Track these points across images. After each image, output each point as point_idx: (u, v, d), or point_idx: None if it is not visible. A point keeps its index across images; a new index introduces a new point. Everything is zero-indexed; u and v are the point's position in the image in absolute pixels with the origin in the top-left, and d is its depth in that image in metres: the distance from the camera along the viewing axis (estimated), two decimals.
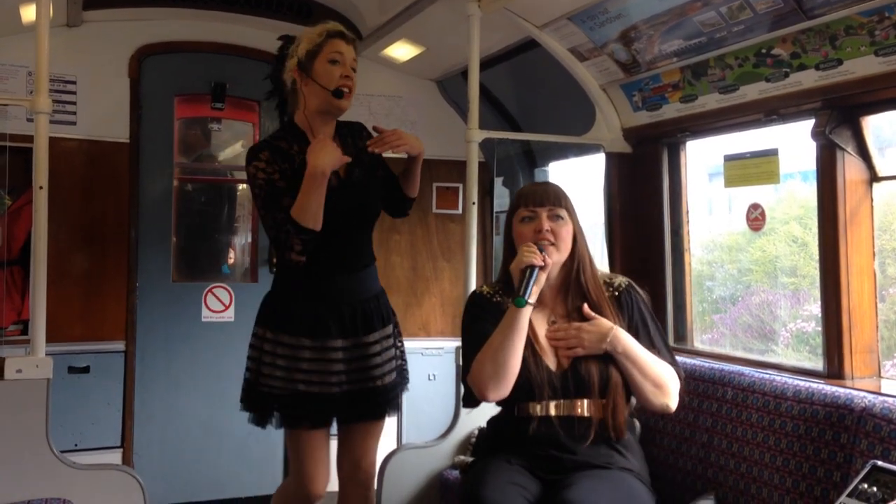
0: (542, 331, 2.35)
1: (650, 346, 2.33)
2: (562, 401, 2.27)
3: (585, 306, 2.33)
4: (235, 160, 4.60)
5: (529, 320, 2.27)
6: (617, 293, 2.40)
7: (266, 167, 2.48)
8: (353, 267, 2.60)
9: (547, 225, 2.32)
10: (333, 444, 2.67)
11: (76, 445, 3.82)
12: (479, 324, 2.37)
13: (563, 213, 2.35)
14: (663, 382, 2.30)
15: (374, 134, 2.59)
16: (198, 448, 4.18)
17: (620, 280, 2.43)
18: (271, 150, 2.51)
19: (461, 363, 2.47)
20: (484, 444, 2.48)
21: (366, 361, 2.56)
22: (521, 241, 2.33)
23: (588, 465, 2.22)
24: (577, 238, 2.37)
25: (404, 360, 2.72)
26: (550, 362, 2.31)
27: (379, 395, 2.59)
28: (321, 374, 2.52)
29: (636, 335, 2.32)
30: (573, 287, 2.38)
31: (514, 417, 2.33)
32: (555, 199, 2.36)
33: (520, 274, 2.24)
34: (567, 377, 2.29)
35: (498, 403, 2.35)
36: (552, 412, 2.27)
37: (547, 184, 2.46)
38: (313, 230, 2.41)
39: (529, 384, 2.26)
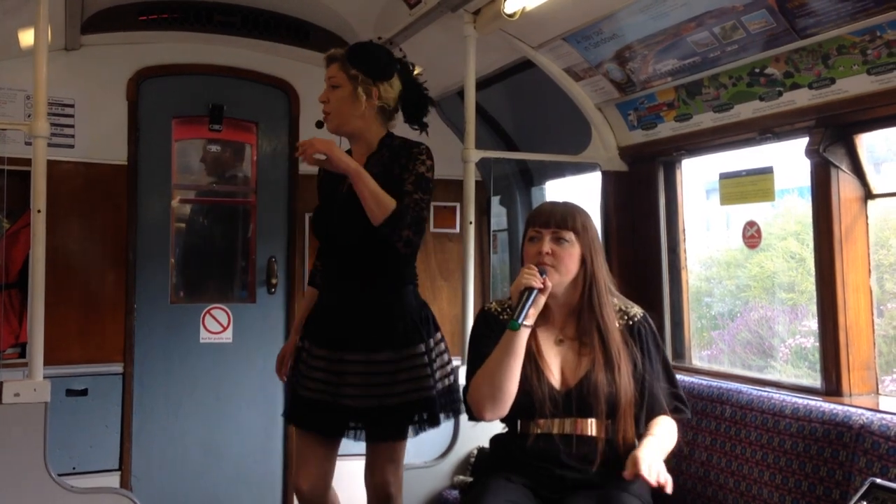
0: (548, 349, 2.34)
1: (654, 382, 2.31)
2: (564, 419, 2.27)
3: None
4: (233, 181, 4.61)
5: (535, 337, 2.27)
6: (631, 322, 2.39)
7: None
8: (356, 279, 2.62)
9: (548, 247, 2.30)
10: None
11: (74, 469, 3.79)
12: (483, 342, 2.37)
13: (570, 235, 2.31)
14: (672, 445, 2.30)
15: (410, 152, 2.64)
16: (197, 470, 4.15)
17: (636, 310, 2.41)
18: None
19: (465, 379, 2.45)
20: (486, 462, 2.48)
21: (345, 378, 2.58)
22: (526, 261, 2.34)
23: (589, 485, 2.21)
24: (588, 261, 2.33)
25: (430, 385, 2.61)
26: (554, 380, 2.31)
27: (389, 415, 2.55)
28: (311, 380, 2.64)
29: (644, 369, 2.31)
30: (585, 310, 2.35)
31: (515, 434, 2.33)
32: (561, 220, 2.32)
33: (518, 296, 2.23)
34: (570, 396, 2.28)
35: (501, 420, 2.35)
36: (553, 430, 2.27)
37: (556, 204, 2.40)
38: None
39: (530, 401, 2.26)
